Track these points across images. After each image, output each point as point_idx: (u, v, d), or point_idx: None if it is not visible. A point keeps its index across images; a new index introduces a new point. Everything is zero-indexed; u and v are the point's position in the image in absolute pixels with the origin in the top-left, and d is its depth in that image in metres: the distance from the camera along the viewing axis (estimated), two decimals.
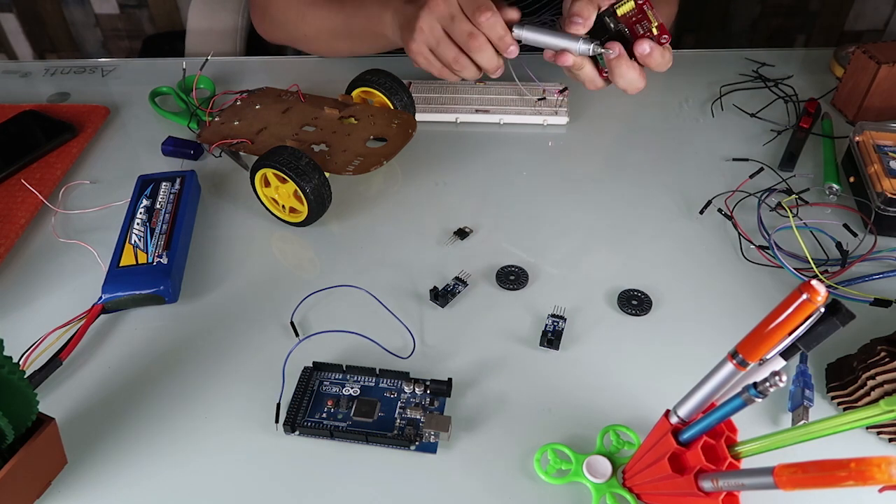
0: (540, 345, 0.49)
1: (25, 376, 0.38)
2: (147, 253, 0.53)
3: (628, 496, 0.40)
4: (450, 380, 0.46)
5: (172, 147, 0.68)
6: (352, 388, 0.46)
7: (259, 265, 0.57)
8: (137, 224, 0.56)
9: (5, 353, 0.37)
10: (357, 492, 0.41)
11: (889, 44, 0.68)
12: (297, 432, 0.44)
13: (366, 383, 0.47)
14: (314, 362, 0.47)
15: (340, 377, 0.47)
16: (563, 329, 0.50)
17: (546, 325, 0.50)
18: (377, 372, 0.47)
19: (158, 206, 0.57)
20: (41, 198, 0.61)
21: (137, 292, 0.51)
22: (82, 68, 0.82)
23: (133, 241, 0.54)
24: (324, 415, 0.45)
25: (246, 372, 0.48)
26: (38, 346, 0.48)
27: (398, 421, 0.45)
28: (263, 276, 0.55)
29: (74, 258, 0.57)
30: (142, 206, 0.57)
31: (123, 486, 0.42)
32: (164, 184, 0.59)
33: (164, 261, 0.53)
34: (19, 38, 1.74)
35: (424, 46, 0.62)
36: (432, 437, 0.44)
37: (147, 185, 0.60)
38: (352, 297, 0.53)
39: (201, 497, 0.41)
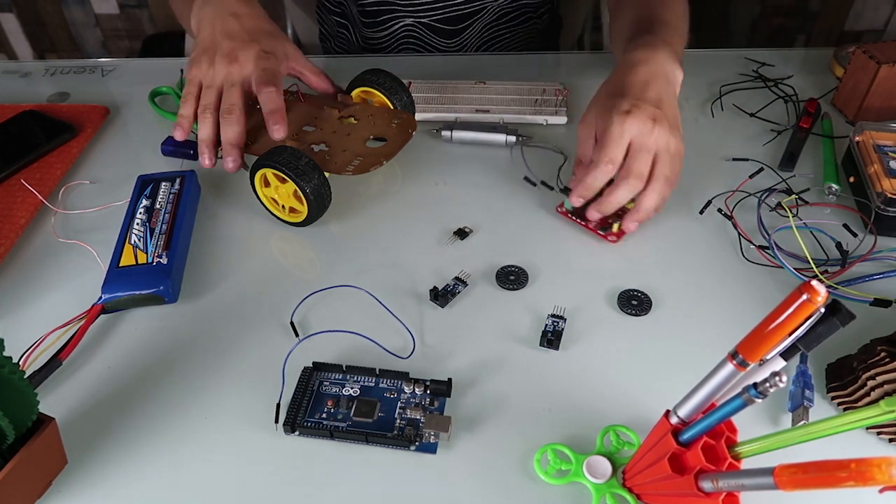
0: (540, 345, 0.49)
1: (25, 376, 0.38)
2: (147, 253, 0.53)
3: (628, 496, 0.40)
4: (449, 380, 0.46)
5: (172, 147, 0.67)
6: (352, 388, 0.46)
7: (259, 265, 0.57)
8: (137, 224, 0.56)
9: (5, 353, 0.37)
10: (357, 492, 0.41)
11: (889, 44, 0.68)
12: (297, 432, 0.44)
13: (366, 383, 0.47)
14: (314, 362, 0.47)
15: (340, 377, 0.47)
16: (563, 329, 0.50)
17: (546, 325, 0.50)
18: (377, 372, 0.47)
19: (158, 206, 0.57)
20: (41, 198, 0.61)
21: (137, 292, 0.51)
22: (82, 68, 0.82)
23: (133, 241, 0.54)
24: (324, 415, 0.45)
25: (246, 372, 0.48)
26: (38, 346, 0.48)
27: (398, 421, 0.45)
28: (263, 276, 0.55)
29: (74, 258, 0.57)
30: (142, 206, 0.57)
31: (123, 486, 0.42)
32: (163, 184, 0.59)
33: (164, 261, 0.53)
34: (19, 38, 1.74)
35: (196, 83, 0.62)
36: (432, 437, 0.44)
37: (147, 185, 0.60)
38: (352, 297, 0.53)
39: (201, 497, 0.41)
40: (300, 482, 0.42)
